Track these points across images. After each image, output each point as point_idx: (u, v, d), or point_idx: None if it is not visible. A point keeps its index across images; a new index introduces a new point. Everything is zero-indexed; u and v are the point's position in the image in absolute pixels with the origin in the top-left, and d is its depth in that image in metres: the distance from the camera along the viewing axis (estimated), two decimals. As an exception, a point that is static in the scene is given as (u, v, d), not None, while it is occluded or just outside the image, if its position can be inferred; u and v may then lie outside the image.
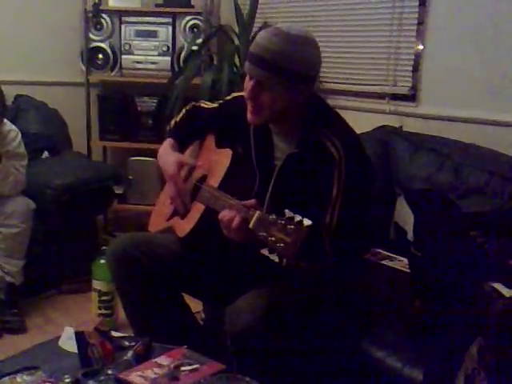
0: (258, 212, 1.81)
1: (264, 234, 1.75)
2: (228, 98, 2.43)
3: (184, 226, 2.30)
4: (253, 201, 1.92)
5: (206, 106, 2.49)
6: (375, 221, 2.32)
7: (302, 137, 2.10)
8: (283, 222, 1.71)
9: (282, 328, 2.01)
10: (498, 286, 2.06)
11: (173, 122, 2.52)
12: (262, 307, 1.98)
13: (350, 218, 1.99)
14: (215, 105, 2.46)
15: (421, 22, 3.23)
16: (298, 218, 1.70)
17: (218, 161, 2.29)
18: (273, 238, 1.72)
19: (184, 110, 2.53)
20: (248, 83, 2.04)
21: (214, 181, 2.23)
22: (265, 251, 1.81)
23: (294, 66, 1.96)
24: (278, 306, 2.02)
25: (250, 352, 1.98)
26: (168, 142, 2.42)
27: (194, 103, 2.54)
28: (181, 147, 2.44)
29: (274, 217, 1.74)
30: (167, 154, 2.37)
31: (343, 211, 1.98)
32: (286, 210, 1.72)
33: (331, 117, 2.16)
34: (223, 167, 2.23)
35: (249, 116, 2.08)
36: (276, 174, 2.13)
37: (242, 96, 2.17)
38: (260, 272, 2.13)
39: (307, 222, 1.69)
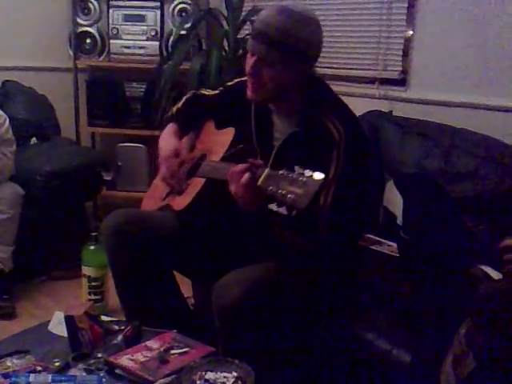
0: (267, 169, 1.80)
1: (273, 188, 1.74)
2: (230, 83, 2.44)
3: (182, 201, 2.30)
4: (260, 161, 1.91)
5: (206, 93, 2.51)
6: (371, 207, 2.32)
7: (304, 116, 2.11)
8: (294, 176, 1.70)
9: (270, 305, 2.01)
10: (487, 269, 2.08)
11: (174, 109, 2.55)
12: (248, 282, 1.99)
13: (344, 200, 1.99)
14: (216, 91, 2.47)
15: (411, 6, 3.23)
16: (308, 172, 1.69)
17: (219, 139, 2.31)
18: (283, 192, 1.70)
19: (184, 98, 2.55)
20: (249, 59, 2.06)
21: (215, 156, 2.25)
22: (273, 206, 1.79)
23: (295, 43, 1.99)
24: (265, 282, 2.03)
25: (236, 328, 1.98)
26: (171, 127, 2.46)
27: (194, 91, 2.57)
28: (183, 133, 2.46)
29: (284, 172, 1.73)
30: (167, 139, 2.42)
31: (338, 192, 1.97)
32: (296, 167, 1.71)
33: (333, 98, 2.18)
34: (225, 143, 2.25)
35: (248, 93, 2.11)
36: (275, 152, 2.14)
37: (244, 80, 2.20)
38: (253, 249, 2.13)
39: (319, 175, 1.68)
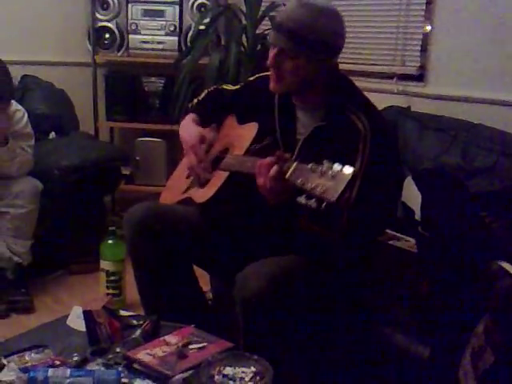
0: (295, 162, 1.80)
1: (302, 181, 1.74)
2: (251, 78, 2.47)
3: (204, 193, 2.30)
4: (288, 154, 1.91)
5: (227, 88, 2.53)
6: (394, 200, 2.32)
7: (328, 110, 2.12)
8: (323, 169, 1.70)
9: (291, 297, 2.01)
10: (505, 264, 2.07)
11: (195, 101, 2.57)
12: (271, 273, 1.99)
13: (369, 193, 1.98)
14: (237, 86, 2.50)
15: (429, 2, 3.22)
16: (337, 166, 1.69)
17: (242, 134, 2.32)
18: (312, 184, 1.70)
19: (206, 91, 2.57)
20: (271, 51, 2.08)
21: (239, 150, 2.25)
22: (301, 199, 1.79)
23: (316, 37, 2.00)
24: (287, 274, 2.03)
25: (257, 319, 1.98)
26: (190, 116, 2.46)
27: (215, 86, 2.59)
28: (203, 124, 2.46)
29: (313, 165, 1.73)
30: (189, 127, 2.42)
31: (363, 186, 1.96)
32: (325, 160, 1.71)
33: (357, 93, 2.18)
34: (249, 138, 2.25)
35: (271, 85, 2.13)
36: (299, 147, 2.14)
37: (266, 75, 2.22)
38: (274, 242, 2.14)
39: (349, 169, 1.68)
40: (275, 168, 1.86)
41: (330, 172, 1.69)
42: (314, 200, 1.73)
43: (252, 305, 1.97)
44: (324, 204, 1.71)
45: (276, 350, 1.98)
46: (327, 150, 2.01)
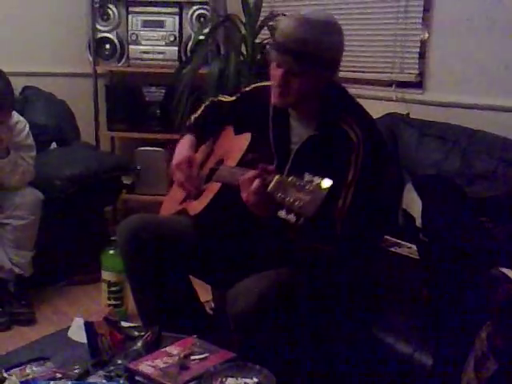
0: (277, 176, 1.82)
1: (282, 195, 1.75)
2: (247, 88, 2.47)
3: (197, 205, 2.32)
4: (272, 167, 1.93)
5: (224, 100, 2.53)
6: (389, 209, 2.32)
7: (321, 120, 2.12)
8: (302, 183, 1.71)
9: (284, 311, 2.01)
10: (506, 271, 2.07)
11: (192, 118, 2.57)
12: (260, 290, 1.98)
13: (362, 203, 2.00)
14: (233, 97, 2.49)
15: (427, 9, 3.22)
16: (317, 179, 1.70)
17: (235, 144, 2.33)
18: (291, 199, 1.72)
19: (203, 106, 2.58)
20: (276, 71, 2.06)
21: (232, 161, 2.26)
22: (281, 213, 1.80)
23: (321, 53, 1.99)
24: (278, 288, 2.02)
25: (251, 335, 1.99)
26: (187, 139, 2.48)
27: (212, 98, 2.59)
28: (200, 142, 2.49)
29: (294, 179, 1.74)
30: (182, 149, 2.43)
31: (357, 195, 1.98)
32: (306, 173, 1.72)
33: (349, 102, 2.19)
34: (241, 149, 2.26)
35: (274, 100, 2.12)
36: (293, 156, 2.15)
37: (263, 86, 2.25)
38: (268, 254, 2.14)
39: (327, 182, 1.69)
40: (257, 181, 1.87)
41: (308, 186, 1.69)
42: (292, 214, 1.74)
43: (243, 321, 1.97)
44: (302, 219, 1.72)
45: (273, 363, 1.97)
46: (320, 160, 2.03)
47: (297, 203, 1.70)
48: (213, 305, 2.82)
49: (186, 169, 2.35)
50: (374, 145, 2.06)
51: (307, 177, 1.72)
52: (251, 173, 1.91)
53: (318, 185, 1.69)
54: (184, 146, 2.44)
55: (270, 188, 1.81)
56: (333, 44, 2.03)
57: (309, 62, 1.99)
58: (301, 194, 1.70)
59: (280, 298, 2.01)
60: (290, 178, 1.76)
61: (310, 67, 2.00)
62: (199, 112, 2.57)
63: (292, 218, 1.75)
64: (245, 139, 2.29)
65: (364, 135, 2.04)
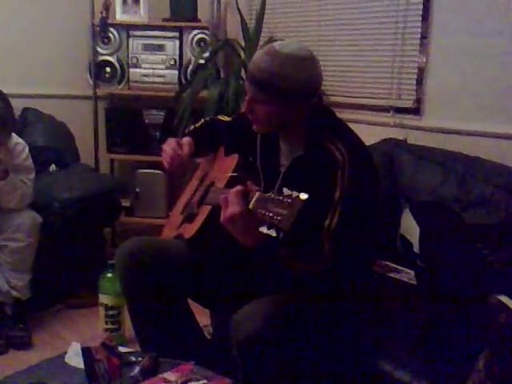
0: (257, 193, 1.84)
1: (262, 211, 1.77)
2: (241, 111, 2.49)
3: (191, 229, 2.33)
4: (254, 186, 1.94)
5: (222, 119, 2.60)
6: (379, 228, 2.33)
7: (307, 142, 2.14)
8: (281, 198, 1.73)
9: (288, 337, 2.00)
10: (503, 298, 2.07)
11: (191, 127, 2.63)
12: (265, 315, 1.97)
13: (349, 222, 1.99)
14: (229, 118, 2.57)
15: (424, 36, 3.25)
16: (295, 193, 1.72)
17: (224, 166, 2.36)
18: (270, 214, 1.73)
19: (203, 120, 2.64)
20: (246, 98, 2.12)
21: (221, 183, 2.28)
22: (263, 229, 1.81)
23: (284, 85, 2.01)
24: (283, 314, 2.02)
25: (255, 361, 1.98)
26: (185, 138, 2.50)
27: (211, 116, 2.68)
28: (196, 147, 2.50)
29: (273, 195, 1.77)
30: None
31: (344, 214, 1.98)
32: (285, 189, 1.75)
33: (335, 123, 2.20)
34: (229, 169, 2.29)
35: (253, 126, 2.17)
36: (281, 178, 2.17)
37: None
38: (264, 278, 2.14)
39: (304, 195, 1.70)
40: (235, 192, 1.88)
41: (287, 200, 1.71)
42: (274, 229, 1.76)
43: (249, 348, 1.96)
44: (281, 233, 1.74)
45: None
46: (307, 180, 2.04)
47: (276, 217, 1.72)
48: (211, 330, 2.81)
49: (174, 144, 2.41)
50: (359, 163, 2.06)
51: (286, 191, 1.74)
52: (229, 196, 1.91)
53: (296, 198, 1.70)
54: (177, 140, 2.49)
55: (251, 205, 1.83)
56: (299, 78, 2.02)
57: (271, 92, 2.02)
58: (279, 208, 1.72)
59: (284, 324, 2.00)
60: (269, 194, 1.78)
61: (272, 96, 2.03)
62: (198, 124, 2.63)
63: (273, 232, 1.77)
64: (232, 160, 2.33)
65: (349, 154, 2.04)
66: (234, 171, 2.27)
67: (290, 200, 1.71)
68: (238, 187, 1.90)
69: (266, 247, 1.98)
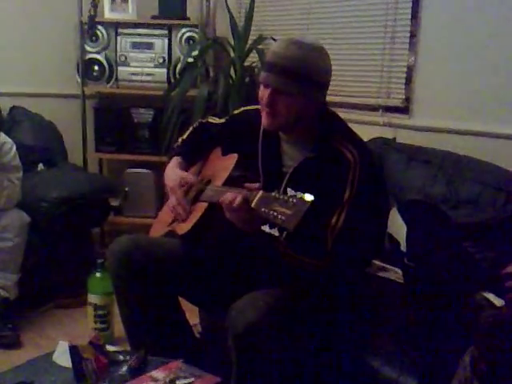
0: (260, 192, 1.84)
1: (265, 210, 1.77)
2: (236, 111, 2.51)
3: (185, 225, 2.32)
4: (256, 184, 1.94)
5: (213, 122, 2.56)
6: (382, 231, 2.35)
7: (317, 143, 2.15)
8: (285, 198, 1.74)
9: (282, 330, 2.01)
10: (489, 295, 2.09)
11: (180, 140, 2.58)
12: (263, 307, 1.98)
13: (356, 222, 2.02)
14: (223, 120, 2.52)
15: (413, 35, 3.25)
16: (299, 194, 1.73)
17: (222, 164, 2.35)
18: (274, 213, 1.74)
19: (191, 128, 2.60)
20: (264, 92, 2.11)
21: (219, 181, 2.28)
22: (265, 227, 1.81)
23: (310, 73, 2.04)
24: (280, 306, 2.03)
25: (251, 353, 1.98)
26: (175, 160, 2.49)
27: (200, 120, 2.62)
28: (188, 164, 2.50)
29: (276, 194, 1.77)
30: (172, 172, 2.44)
31: (351, 214, 2.00)
32: (289, 189, 1.75)
33: (344, 126, 2.23)
34: (228, 168, 2.28)
35: (264, 122, 2.15)
36: (288, 178, 2.17)
37: (252, 109, 2.29)
38: (259, 273, 2.14)
39: (309, 197, 1.71)
40: (239, 199, 1.90)
41: (291, 200, 1.72)
42: (276, 229, 1.76)
43: (245, 338, 1.95)
44: (285, 233, 1.74)
45: (266, 376, 1.98)
46: (317, 181, 2.06)
47: (280, 217, 1.72)
48: (200, 328, 2.81)
49: (179, 193, 2.37)
50: (369, 165, 2.11)
51: (290, 192, 1.74)
52: (232, 194, 1.94)
53: (301, 199, 1.71)
54: (173, 169, 2.45)
55: (253, 204, 1.83)
56: (320, 65, 2.08)
57: (297, 79, 2.04)
58: (283, 208, 1.72)
59: (281, 317, 2.01)
60: (273, 194, 1.79)
61: (298, 85, 2.04)
62: (187, 134, 2.59)
63: (276, 231, 1.77)
64: (231, 159, 2.31)
65: (360, 155, 2.08)
66: (233, 170, 2.27)
67: (294, 200, 1.72)
68: (237, 190, 1.90)
69: (265, 242, 2.00)
